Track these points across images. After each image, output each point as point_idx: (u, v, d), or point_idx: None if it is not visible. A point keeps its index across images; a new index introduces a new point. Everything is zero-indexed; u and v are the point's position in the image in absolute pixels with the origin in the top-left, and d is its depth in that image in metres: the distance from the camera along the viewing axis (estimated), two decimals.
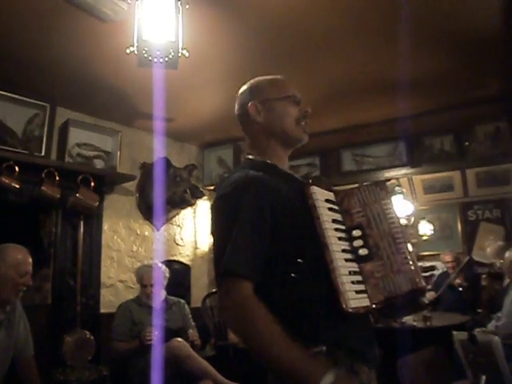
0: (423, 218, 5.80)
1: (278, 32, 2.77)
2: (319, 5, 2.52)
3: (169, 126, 4.21)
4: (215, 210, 1.22)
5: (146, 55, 2.02)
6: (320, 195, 1.20)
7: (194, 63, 2.89)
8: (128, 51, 2.03)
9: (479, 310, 4.43)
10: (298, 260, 1.12)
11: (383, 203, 1.23)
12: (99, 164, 3.92)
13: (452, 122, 4.21)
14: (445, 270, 5.18)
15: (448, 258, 5.06)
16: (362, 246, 1.17)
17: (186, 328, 3.34)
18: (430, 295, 5.02)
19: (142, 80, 3.01)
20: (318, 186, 1.23)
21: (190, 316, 3.53)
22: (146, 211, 4.28)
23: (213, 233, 1.21)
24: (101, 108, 3.85)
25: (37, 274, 3.51)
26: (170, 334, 3.13)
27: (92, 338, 3.47)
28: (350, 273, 1.12)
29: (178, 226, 4.68)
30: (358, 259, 1.16)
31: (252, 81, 1.45)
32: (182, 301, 3.57)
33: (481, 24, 2.77)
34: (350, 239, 1.19)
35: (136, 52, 2.03)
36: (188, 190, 4.37)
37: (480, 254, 5.35)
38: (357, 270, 1.15)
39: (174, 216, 4.60)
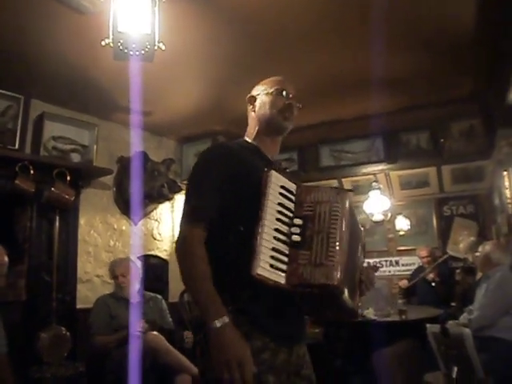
0: (400, 214, 5.87)
1: (256, 26, 2.77)
2: (295, 3, 2.53)
3: (146, 120, 4.17)
4: (192, 168, 1.48)
5: (121, 48, 2.00)
6: (276, 180, 1.33)
7: (172, 56, 2.87)
8: (103, 43, 2.01)
9: (453, 304, 4.52)
10: (240, 227, 1.32)
11: (333, 206, 1.33)
12: (75, 158, 3.86)
13: (428, 120, 4.29)
14: (420, 264, 5.27)
15: (424, 253, 5.15)
16: (297, 234, 1.29)
17: (171, 327, 3.35)
18: (402, 283, 5.15)
19: (119, 73, 2.98)
20: (282, 175, 1.36)
21: (168, 311, 3.53)
22: (124, 205, 4.25)
23: (186, 188, 1.48)
24: (77, 101, 3.79)
25: (11, 270, 3.45)
26: (151, 328, 3.13)
27: (68, 334, 3.43)
28: (273, 249, 1.25)
29: (156, 220, 4.65)
30: (290, 243, 1.28)
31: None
32: (159, 296, 3.56)
33: (456, 25, 2.83)
34: (291, 225, 1.30)
35: (111, 44, 2.01)
36: (166, 185, 4.35)
37: (454, 248, 5.45)
38: (284, 251, 1.27)
39: (152, 210, 4.57)
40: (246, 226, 1.28)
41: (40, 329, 3.35)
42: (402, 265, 5.92)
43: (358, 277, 1.50)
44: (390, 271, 5.98)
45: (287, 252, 1.27)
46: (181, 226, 1.38)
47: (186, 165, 4.86)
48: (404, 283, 5.16)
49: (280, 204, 1.31)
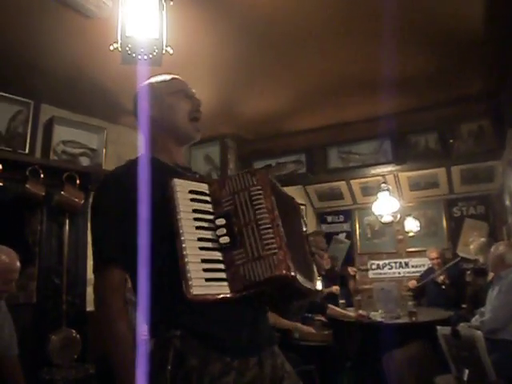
0: (409, 215, 5.85)
1: (264, 29, 2.77)
2: (304, 5, 2.53)
3: None
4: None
5: (129, 52, 2.01)
6: (182, 187, 1.19)
7: (180, 60, 2.88)
8: (111, 48, 2.02)
9: (464, 306, 4.49)
10: (162, 249, 1.16)
11: (252, 190, 1.19)
12: (85, 161, 3.89)
13: (436, 120, 4.26)
14: (430, 266, 5.23)
15: (434, 254, 5.11)
16: (224, 235, 1.16)
17: None
18: (411, 283, 5.12)
19: (127, 77, 2.98)
20: (185, 179, 1.23)
21: None
22: None
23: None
24: (86, 105, 3.82)
25: (22, 273, 3.47)
26: None
27: (78, 336, 3.45)
28: (203, 260, 1.12)
29: None
30: (219, 247, 1.15)
31: (149, 81, 1.47)
32: None
33: (465, 24, 2.81)
34: (214, 228, 1.17)
35: (120, 49, 2.02)
36: None
37: (465, 249, 5.42)
38: (217, 258, 1.15)
39: None
40: (168, 245, 1.14)
41: (50, 331, 3.37)
42: (412, 266, 5.90)
43: (308, 250, 1.39)
44: (399, 273, 5.96)
45: (221, 258, 1.15)
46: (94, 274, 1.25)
47: (194, 168, 4.80)
48: (413, 283, 5.12)
49: (195, 210, 1.18)
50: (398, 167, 4.61)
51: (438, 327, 3.08)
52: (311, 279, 1.30)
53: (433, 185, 5.54)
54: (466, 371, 2.75)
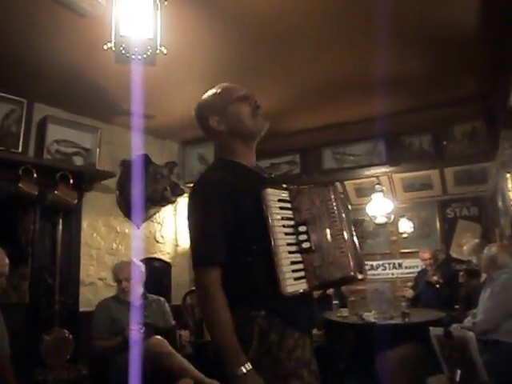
0: (403, 216, 5.86)
1: (258, 30, 2.78)
2: (299, 5, 2.53)
3: (149, 123, 4.18)
4: (188, 207, 1.48)
5: (123, 51, 2.01)
6: (273, 196, 1.40)
7: (174, 60, 2.88)
8: (105, 47, 2.01)
9: (456, 307, 4.50)
10: (253, 246, 1.37)
11: (329, 203, 1.44)
12: (78, 161, 3.88)
13: (430, 122, 4.28)
14: (423, 267, 5.24)
15: (426, 255, 5.11)
16: (305, 240, 1.39)
17: (175, 327, 3.34)
18: (408, 293, 5.09)
19: (121, 76, 2.98)
20: (273, 188, 1.43)
21: (171, 314, 3.52)
22: (126, 209, 4.25)
23: (188, 227, 1.46)
24: (80, 104, 3.81)
25: (14, 273, 3.46)
26: (153, 331, 3.13)
27: (71, 336, 3.44)
28: (291, 263, 1.36)
29: (159, 223, 4.66)
30: (302, 251, 1.39)
31: (201, 100, 1.60)
32: (162, 299, 3.56)
33: (459, 26, 2.82)
34: (297, 233, 1.40)
35: (114, 48, 2.01)
36: (168, 188, 4.36)
37: (458, 251, 5.44)
38: (300, 259, 1.38)
39: (155, 213, 4.58)
40: (258, 243, 1.37)
41: (43, 331, 3.36)
42: (406, 267, 5.91)
43: (359, 246, 1.59)
44: (393, 274, 5.97)
45: (301, 259, 1.38)
46: (194, 270, 1.39)
47: (188, 168, 4.87)
48: (410, 293, 5.07)
49: (283, 218, 1.40)
50: (392, 168, 4.63)
51: (431, 328, 3.09)
52: (362, 271, 1.50)
53: (426, 186, 5.55)
54: (458, 372, 2.77)
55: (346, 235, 1.42)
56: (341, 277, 1.38)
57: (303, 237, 1.39)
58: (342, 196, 1.54)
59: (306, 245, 1.39)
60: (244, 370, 1.26)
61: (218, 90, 1.57)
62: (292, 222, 1.41)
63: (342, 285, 1.43)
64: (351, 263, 1.38)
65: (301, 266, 1.37)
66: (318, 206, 1.43)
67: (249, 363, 1.27)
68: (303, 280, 1.37)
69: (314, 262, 1.37)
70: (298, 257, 1.38)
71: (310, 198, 1.44)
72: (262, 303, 1.36)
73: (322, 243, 1.40)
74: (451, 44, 3.03)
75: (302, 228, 1.40)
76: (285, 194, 1.45)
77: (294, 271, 1.35)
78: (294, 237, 1.40)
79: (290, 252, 1.37)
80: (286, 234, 1.39)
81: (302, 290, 1.36)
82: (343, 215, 1.45)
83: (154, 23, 2.07)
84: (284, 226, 1.39)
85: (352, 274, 1.38)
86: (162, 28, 2.11)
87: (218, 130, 1.53)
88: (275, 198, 1.41)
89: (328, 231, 1.41)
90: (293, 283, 1.34)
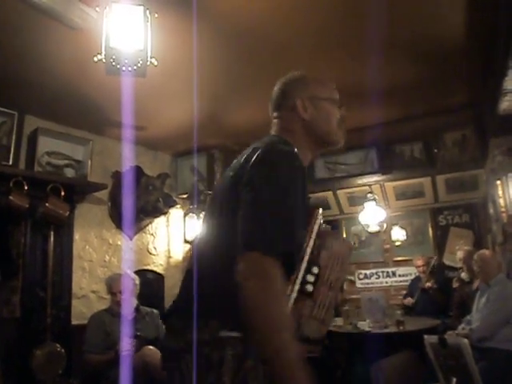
0: (396, 224, 5.88)
1: (249, 41, 2.79)
2: (291, 17, 2.56)
3: (141, 135, 4.18)
4: (259, 174, 1.12)
5: (114, 63, 2.01)
6: (320, 219, 1.24)
7: (166, 71, 2.89)
8: (96, 59, 2.02)
9: (451, 314, 4.51)
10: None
11: (345, 260, 1.29)
12: (70, 173, 3.85)
13: (421, 130, 4.32)
14: (417, 274, 5.26)
15: (420, 262, 5.14)
16: (311, 283, 1.19)
17: (157, 337, 3.30)
18: (407, 301, 5.08)
19: (113, 88, 2.98)
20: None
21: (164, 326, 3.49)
22: (119, 220, 4.23)
23: (260, 192, 1.08)
24: (71, 116, 3.80)
25: (5, 287, 3.43)
26: (144, 343, 3.10)
27: (63, 350, 3.39)
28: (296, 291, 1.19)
29: (151, 234, 4.63)
30: (303, 290, 1.18)
31: (297, 74, 1.40)
32: (156, 311, 3.53)
33: (447, 38, 2.86)
34: (308, 270, 1.19)
35: (104, 60, 2.02)
36: (161, 199, 4.34)
37: (451, 258, 5.45)
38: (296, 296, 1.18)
39: (147, 225, 4.56)
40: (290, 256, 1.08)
41: (35, 346, 3.31)
42: (399, 275, 5.92)
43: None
44: (386, 282, 5.97)
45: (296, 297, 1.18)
46: (255, 254, 1.01)
47: (181, 179, 4.86)
48: (409, 301, 5.05)
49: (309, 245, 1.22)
50: (383, 177, 4.66)
51: (425, 336, 3.09)
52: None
53: (418, 194, 5.58)
54: (454, 380, 2.76)
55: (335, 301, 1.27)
56: (318, 338, 1.22)
57: (311, 278, 1.19)
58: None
59: (309, 288, 1.18)
60: None
61: (321, 78, 1.40)
62: (310, 256, 1.21)
63: (305, 343, 1.19)
64: (328, 324, 1.25)
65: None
66: (335, 259, 1.26)
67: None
68: None
69: (303, 309, 1.18)
70: (295, 290, 1.18)
71: (333, 247, 1.27)
72: (237, 319, 1.04)
73: (320, 296, 1.21)
74: (441, 55, 3.07)
75: (315, 270, 1.20)
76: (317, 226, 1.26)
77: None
78: (304, 272, 1.19)
79: (299, 281, 1.18)
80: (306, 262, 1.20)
81: None
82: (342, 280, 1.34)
83: (145, 35, 2.07)
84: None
85: (323, 338, 1.24)
86: (152, 40, 2.12)
87: (300, 115, 1.31)
88: (319, 221, 1.24)
89: (330, 288, 1.25)
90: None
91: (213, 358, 1.07)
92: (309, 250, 1.19)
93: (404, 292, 5.39)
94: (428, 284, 4.85)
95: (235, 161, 1.28)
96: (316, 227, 1.21)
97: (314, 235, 1.20)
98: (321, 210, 1.24)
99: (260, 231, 1.04)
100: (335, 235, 1.35)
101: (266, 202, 1.07)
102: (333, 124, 1.35)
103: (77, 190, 3.81)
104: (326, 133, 1.35)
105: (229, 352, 1.07)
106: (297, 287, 1.16)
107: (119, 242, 4.28)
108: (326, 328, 1.22)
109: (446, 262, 5.51)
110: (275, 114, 1.39)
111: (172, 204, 4.50)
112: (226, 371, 1.07)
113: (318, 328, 1.20)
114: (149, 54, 2.08)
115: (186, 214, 4.86)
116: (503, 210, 3.69)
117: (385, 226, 5.74)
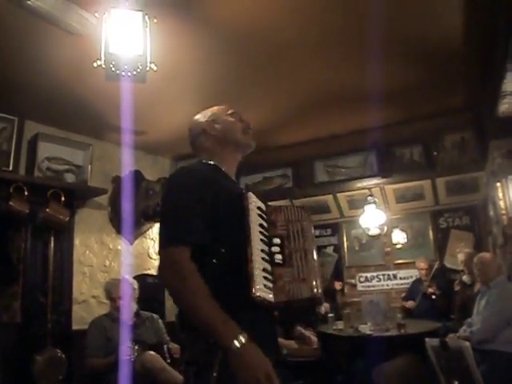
0: (396, 227, 5.87)
1: (248, 45, 2.80)
2: (289, 20, 2.57)
3: (141, 139, 4.18)
4: (162, 194, 1.47)
5: (113, 69, 2.01)
6: (254, 201, 1.41)
7: (166, 76, 2.90)
8: (95, 65, 2.02)
9: (453, 317, 4.49)
10: (221, 249, 1.31)
11: (303, 223, 1.45)
12: (70, 178, 3.86)
13: (420, 133, 4.32)
14: (418, 277, 5.24)
15: (423, 265, 5.12)
16: (278, 253, 1.37)
17: (162, 342, 3.30)
18: (409, 304, 5.06)
19: (112, 93, 2.98)
20: (255, 195, 1.43)
21: (165, 330, 3.49)
22: (119, 225, 4.23)
23: (160, 213, 1.46)
24: (71, 121, 3.81)
25: (5, 292, 3.43)
26: (145, 348, 3.09)
27: (63, 356, 3.39)
28: (263, 269, 1.31)
29: (152, 239, 4.63)
30: (273, 262, 1.35)
31: (201, 112, 1.67)
32: (156, 315, 3.53)
33: (446, 40, 2.87)
34: (270, 244, 1.38)
35: (103, 66, 2.02)
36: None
37: (452, 260, 5.44)
38: (269, 270, 1.33)
39: (148, 229, 4.56)
40: (227, 248, 1.32)
41: (35, 351, 3.31)
42: (400, 278, 5.89)
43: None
44: (387, 285, 5.95)
45: (271, 271, 1.33)
46: (161, 251, 1.29)
47: None
48: (411, 304, 5.04)
49: (260, 225, 1.38)
50: (383, 180, 4.65)
51: (427, 339, 3.08)
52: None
53: (419, 197, 5.56)
54: (456, 382, 2.76)
55: (315, 257, 1.40)
56: (309, 296, 1.32)
57: (276, 249, 1.37)
58: (312, 224, 1.53)
59: (278, 257, 1.36)
60: (239, 343, 1.15)
61: (215, 106, 1.66)
62: (266, 233, 1.39)
63: (306, 308, 1.28)
64: (319, 285, 1.34)
65: (270, 277, 1.32)
66: (293, 224, 1.44)
67: (245, 333, 1.16)
68: (270, 291, 1.29)
69: (284, 277, 1.33)
70: (269, 267, 1.33)
71: (286, 216, 1.45)
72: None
73: (295, 260, 1.36)
74: (440, 57, 3.08)
75: (276, 241, 1.39)
76: (263, 206, 1.46)
77: (264, 278, 1.29)
78: (267, 247, 1.36)
79: (263, 259, 1.32)
80: (261, 240, 1.35)
81: (268, 301, 1.26)
82: (314, 241, 1.45)
83: (144, 40, 2.08)
84: (260, 233, 1.37)
85: (319, 295, 1.34)
86: (151, 45, 2.12)
87: (209, 133, 1.57)
88: (256, 204, 1.40)
89: (301, 250, 1.39)
90: (262, 289, 1.26)
91: (205, 363, 1.23)
92: (254, 226, 1.34)
93: (403, 295, 5.36)
94: (430, 290, 4.83)
95: None
96: (252, 206, 1.37)
97: (252, 213, 1.35)
98: (250, 193, 1.40)
99: (163, 233, 1.33)
100: (288, 208, 1.48)
101: (163, 214, 1.41)
102: (237, 131, 1.59)
103: (77, 195, 3.82)
104: (235, 140, 1.59)
105: (217, 357, 1.21)
106: (258, 263, 1.28)
107: (119, 247, 4.28)
108: (311, 285, 1.32)
109: (448, 264, 5.49)
110: (194, 148, 1.65)
111: None
112: (213, 375, 1.21)
113: (304, 288, 1.32)
114: (148, 59, 2.09)
115: None
116: (503, 212, 3.68)
117: (385, 228, 5.72)
